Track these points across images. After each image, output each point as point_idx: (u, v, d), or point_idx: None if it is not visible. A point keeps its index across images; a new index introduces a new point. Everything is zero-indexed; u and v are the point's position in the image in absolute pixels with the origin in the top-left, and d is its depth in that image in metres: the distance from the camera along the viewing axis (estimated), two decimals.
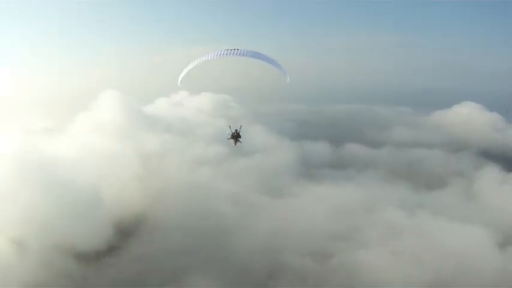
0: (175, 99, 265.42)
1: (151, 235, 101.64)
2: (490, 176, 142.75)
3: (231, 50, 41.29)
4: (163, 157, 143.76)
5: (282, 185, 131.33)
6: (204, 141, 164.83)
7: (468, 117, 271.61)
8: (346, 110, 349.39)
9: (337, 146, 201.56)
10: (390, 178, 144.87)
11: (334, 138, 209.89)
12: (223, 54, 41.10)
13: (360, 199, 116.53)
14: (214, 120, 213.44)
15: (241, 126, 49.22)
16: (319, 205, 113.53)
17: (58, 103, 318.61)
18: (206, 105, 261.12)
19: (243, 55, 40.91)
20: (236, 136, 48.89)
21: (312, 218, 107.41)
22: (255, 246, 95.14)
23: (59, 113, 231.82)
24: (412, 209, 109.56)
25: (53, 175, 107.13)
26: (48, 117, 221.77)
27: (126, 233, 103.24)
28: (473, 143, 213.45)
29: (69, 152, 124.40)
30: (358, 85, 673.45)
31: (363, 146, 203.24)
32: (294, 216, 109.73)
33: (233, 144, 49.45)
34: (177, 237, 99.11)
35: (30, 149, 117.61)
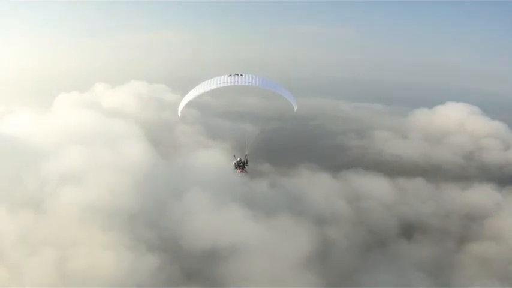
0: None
1: None
2: None
3: (234, 76, 37.39)
4: None
5: None
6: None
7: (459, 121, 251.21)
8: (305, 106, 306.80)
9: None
10: None
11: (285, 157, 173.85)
12: (228, 82, 37.27)
13: None
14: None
15: (246, 154, 45.99)
16: None
17: None
18: (132, 101, 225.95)
19: (249, 83, 37.30)
20: (242, 165, 45.65)
21: None
22: None
23: None
24: None
25: None
26: None
27: None
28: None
29: None
30: (318, 77, 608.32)
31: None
32: None
33: (239, 173, 45.77)
34: None
35: None
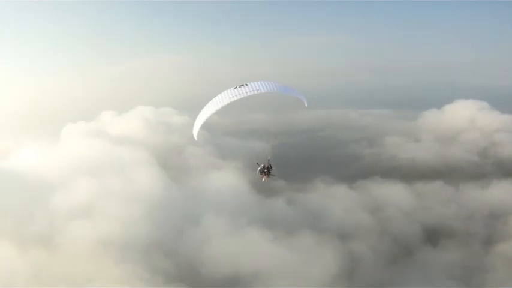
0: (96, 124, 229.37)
1: None
2: None
3: (240, 87, 36.18)
4: None
5: None
6: None
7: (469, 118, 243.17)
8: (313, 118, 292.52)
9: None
10: None
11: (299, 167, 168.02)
12: (238, 95, 35.81)
13: None
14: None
15: (269, 159, 44.43)
16: None
17: None
18: (140, 126, 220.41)
19: (258, 91, 35.92)
20: (267, 170, 43.81)
21: None
22: None
23: None
24: None
25: None
26: None
27: None
28: None
29: None
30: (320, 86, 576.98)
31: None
32: None
33: (265, 179, 43.99)
34: None
35: None
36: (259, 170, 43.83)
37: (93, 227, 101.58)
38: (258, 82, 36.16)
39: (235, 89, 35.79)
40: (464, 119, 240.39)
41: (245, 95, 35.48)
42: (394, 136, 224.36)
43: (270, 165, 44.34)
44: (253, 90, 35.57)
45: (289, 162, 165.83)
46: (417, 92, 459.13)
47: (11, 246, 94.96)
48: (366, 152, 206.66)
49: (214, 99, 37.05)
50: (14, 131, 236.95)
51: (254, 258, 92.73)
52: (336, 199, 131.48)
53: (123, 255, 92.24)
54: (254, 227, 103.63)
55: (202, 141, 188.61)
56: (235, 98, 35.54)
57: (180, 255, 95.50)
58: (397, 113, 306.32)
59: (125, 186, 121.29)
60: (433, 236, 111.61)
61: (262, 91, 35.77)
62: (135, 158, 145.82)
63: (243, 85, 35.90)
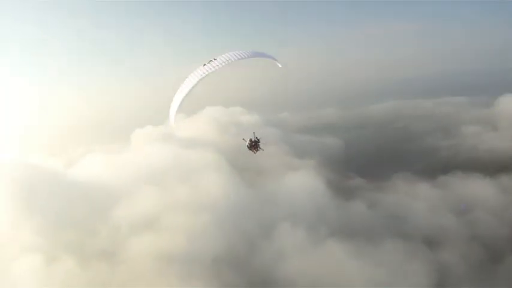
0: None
1: None
2: None
3: (208, 63, 34.06)
4: None
5: None
6: None
7: None
8: (385, 110, 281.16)
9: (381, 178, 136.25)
10: None
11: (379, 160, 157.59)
12: (207, 71, 33.69)
13: None
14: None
15: (254, 132, 43.52)
16: None
17: None
18: (209, 127, 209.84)
19: (227, 61, 34.00)
20: (255, 144, 42.93)
21: None
22: None
23: None
24: None
25: None
26: None
27: None
28: None
29: None
30: (385, 79, 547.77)
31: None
32: None
33: (254, 152, 43.41)
34: None
35: None
36: (247, 145, 43.56)
37: (156, 240, 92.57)
38: (226, 54, 34.49)
39: (204, 66, 34.29)
40: None
41: (214, 69, 33.93)
42: (470, 125, 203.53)
43: (257, 138, 43.71)
44: (222, 62, 33.98)
45: (365, 158, 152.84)
46: (491, 76, 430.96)
47: (73, 260, 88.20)
48: (443, 144, 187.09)
49: (185, 80, 35.30)
50: (86, 139, 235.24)
51: (335, 274, 79.62)
52: (418, 198, 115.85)
53: (188, 270, 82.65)
54: (334, 239, 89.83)
55: (274, 140, 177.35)
56: (205, 74, 34.02)
57: (251, 271, 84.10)
58: (472, 100, 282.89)
59: (192, 193, 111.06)
60: None
61: (233, 59, 34.17)
62: (205, 161, 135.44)
63: (211, 60, 34.34)
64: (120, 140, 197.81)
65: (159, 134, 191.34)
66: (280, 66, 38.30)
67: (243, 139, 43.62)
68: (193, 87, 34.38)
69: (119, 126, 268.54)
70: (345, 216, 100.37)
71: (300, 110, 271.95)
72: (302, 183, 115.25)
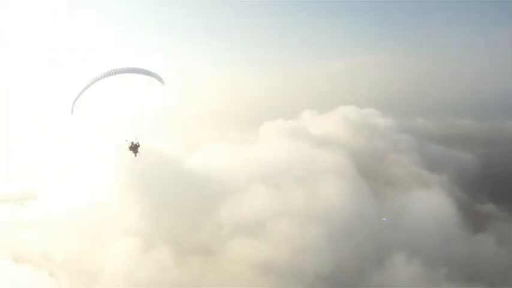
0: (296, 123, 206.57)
1: None
2: None
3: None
4: None
5: None
6: None
7: None
8: None
9: None
10: None
11: None
12: (103, 76, 35.24)
13: None
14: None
15: (136, 137, 44.49)
16: None
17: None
18: (341, 127, 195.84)
19: (114, 73, 35.43)
20: (135, 147, 44.74)
21: None
22: None
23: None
24: None
25: None
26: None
27: None
28: None
29: None
30: None
31: None
32: None
33: (135, 155, 45.37)
34: None
35: None
36: (130, 147, 44.84)
37: (257, 246, 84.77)
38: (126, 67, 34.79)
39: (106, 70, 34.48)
40: None
41: (104, 77, 34.25)
42: None
43: (138, 143, 44.88)
44: (113, 72, 34.33)
45: (500, 179, 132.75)
46: None
47: (169, 250, 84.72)
48: None
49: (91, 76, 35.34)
50: (216, 126, 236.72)
51: None
52: None
53: (286, 283, 74.47)
54: (453, 282, 74.14)
55: (407, 147, 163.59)
56: (99, 78, 34.32)
57: None
58: None
59: (307, 199, 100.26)
60: None
61: (115, 73, 34.34)
62: (331, 163, 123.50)
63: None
64: (250, 131, 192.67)
65: (289, 128, 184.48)
66: (164, 84, 37.95)
67: (126, 140, 44.11)
68: (91, 84, 33.76)
69: (253, 117, 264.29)
70: (470, 252, 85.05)
71: (435, 118, 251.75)
72: (430, 203, 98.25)
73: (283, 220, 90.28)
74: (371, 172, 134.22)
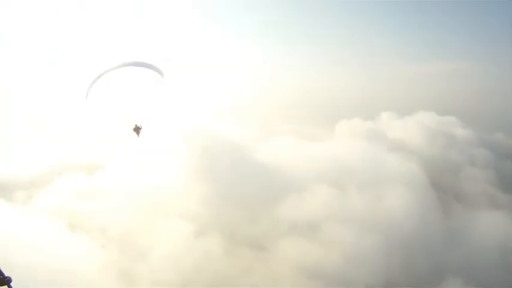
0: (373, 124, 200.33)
1: None
2: None
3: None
4: None
5: None
6: None
7: None
8: None
9: None
10: None
11: None
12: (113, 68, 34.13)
13: None
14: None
15: (140, 121, 41.87)
16: None
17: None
18: (418, 133, 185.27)
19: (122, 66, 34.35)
20: (137, 129, 42.48)
21: None
22: None
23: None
24: None
25: None
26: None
27: None
28: None
29: None
30: None
31: None
32: None
33: (137, 136, 43.06)
34: None
35: None
36: (133, 128, 42.99)
37: (309, 249, 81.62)
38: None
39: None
40: None
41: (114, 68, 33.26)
42: None
43: (141, 125, 42.25)
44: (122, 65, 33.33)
45: None
46: None
47: (220, 240, 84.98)
48: None
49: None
50: (292, 121, 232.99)
51: None
52: None
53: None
54: None
55: (483, 163, 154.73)
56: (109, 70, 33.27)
57: None
58: None
59: (371, 206, 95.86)
60: None
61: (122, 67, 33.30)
62: (402, 170, 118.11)
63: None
64: (327, 128, 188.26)
65: (365, 129, 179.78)
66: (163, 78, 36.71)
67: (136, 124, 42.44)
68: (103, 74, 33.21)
69: (331, 114, 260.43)
70: None
71: None
72: (497, 226, 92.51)
73: (339, 224, 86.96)
74: (442, 185, 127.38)
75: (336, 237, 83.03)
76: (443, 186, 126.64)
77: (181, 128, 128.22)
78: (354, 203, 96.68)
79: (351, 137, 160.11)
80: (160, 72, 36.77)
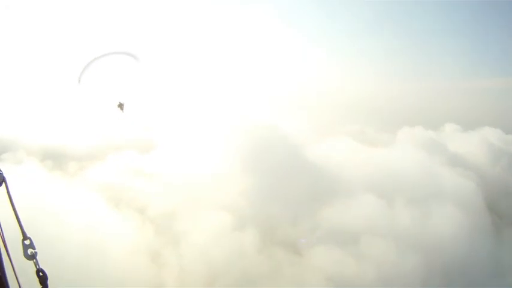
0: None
1: None
2: None
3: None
4: None
5: None
6: None
7: None
8: None
9: None
10: None
11: None
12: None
13: None
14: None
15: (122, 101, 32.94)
16: None
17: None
18: (482, 149, 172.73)
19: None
20: (121, 106, 33.34)
21: None
22: None
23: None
24: None
25: None
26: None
27: None
28: None
29: None
30: None
31: None
32: None
33: (121, 111, 34.00)
34: None
35: None
36: (117, 105, 34.94)
37: (343, 259, 78.10)
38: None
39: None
40: None
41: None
42: None
43: (123, 104, 34.03)
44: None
45: None
46: None
47: (255, 238, 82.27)
48: None
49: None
50: (355, 122, 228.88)
51: None
52: None
53: None
54: None
55: None
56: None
57: None
58: None
59: (417, 222, 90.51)
60: None
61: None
62: (459, 187, 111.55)
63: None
64: (389, 133, 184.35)
65: (427, 138, 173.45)
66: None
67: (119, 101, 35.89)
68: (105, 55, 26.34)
69: (394, 120, 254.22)
70: None
71: None
72: None
73: (380, 239, 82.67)
74: (499, 208, 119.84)
75: (374, 252, 79.11)
76: (500, 211, 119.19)
77: (240, 120, 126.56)
78: (399, 217, 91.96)
79: (411, 144, 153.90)
80: (135, 57, 30.52)
